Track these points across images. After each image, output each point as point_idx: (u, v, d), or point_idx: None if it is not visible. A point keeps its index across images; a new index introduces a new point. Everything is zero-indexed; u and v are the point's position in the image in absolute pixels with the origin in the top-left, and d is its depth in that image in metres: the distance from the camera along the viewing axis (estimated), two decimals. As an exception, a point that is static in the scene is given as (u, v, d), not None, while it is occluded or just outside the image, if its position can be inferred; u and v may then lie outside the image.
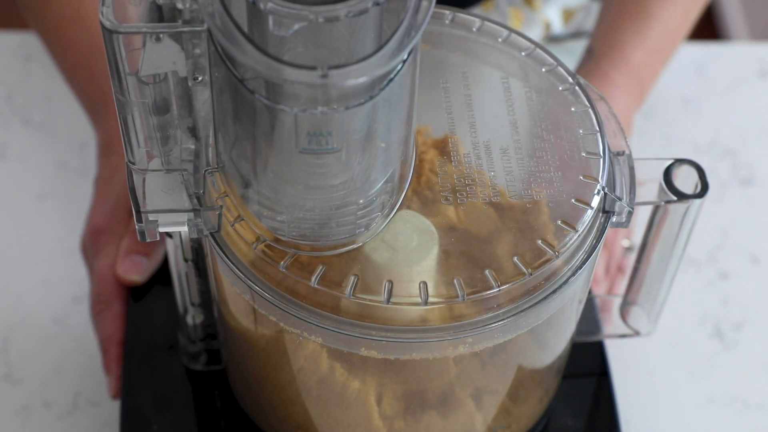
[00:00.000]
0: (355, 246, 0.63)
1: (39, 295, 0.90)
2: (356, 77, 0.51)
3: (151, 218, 0.61)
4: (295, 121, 0.53)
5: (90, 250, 0.81)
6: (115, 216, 0.80)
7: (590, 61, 0.90)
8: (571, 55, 1.06)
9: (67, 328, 0.87)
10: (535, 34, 1.05)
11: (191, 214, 0.61)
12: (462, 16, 0.72)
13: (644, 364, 0.86)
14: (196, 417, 0.74)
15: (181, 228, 0.62)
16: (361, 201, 0.60)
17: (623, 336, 0.78)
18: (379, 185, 0.61)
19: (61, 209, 0.95)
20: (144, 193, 0.61)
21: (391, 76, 0.54)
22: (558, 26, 1.07)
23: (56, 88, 1.02)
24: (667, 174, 0.65)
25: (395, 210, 0.64)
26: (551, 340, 0.67)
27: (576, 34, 1.09)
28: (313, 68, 0.50)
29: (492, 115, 0.74)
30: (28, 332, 0.88)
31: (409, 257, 0.66)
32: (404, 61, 0.54)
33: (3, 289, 0.90)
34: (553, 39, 1.09)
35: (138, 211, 0.60)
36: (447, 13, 0.72)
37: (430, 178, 0.73)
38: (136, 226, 0.61)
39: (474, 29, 0.72)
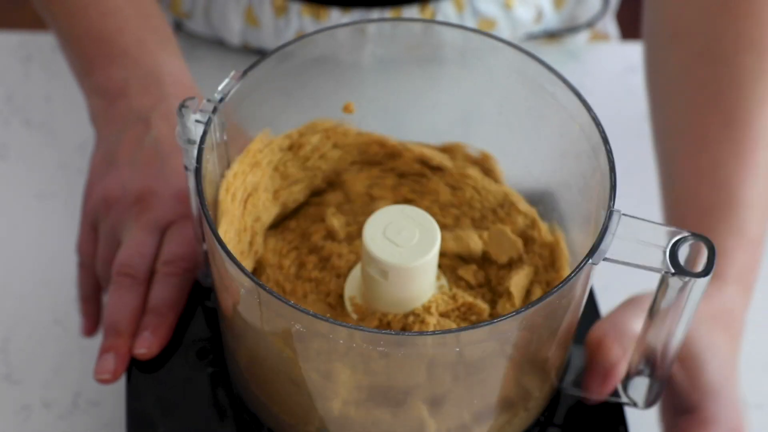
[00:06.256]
0: None
1: (39, 295, 0.90)
2: None
3: None
4: None
5: (103, 214, 0.80)
6: (146, 201, 0.79)
7: (722, 292, 0.78)
8: (574, 59, 1.06)
9: (67, 328, 0.87)
10: (527, 17, 1.04)
11: None
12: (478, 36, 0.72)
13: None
14: (203, 419, 0.74)
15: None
16: None
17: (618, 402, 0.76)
18: None
19: (61, 209, 0.95)
20: None
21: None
22: (550, 12, 1.06)
23: (56, 88, 1.03)
24: (674, 248, 0.62)
25: None
26: (519, 371, 0.67)
27: (572, 29, 1.09)
28: None
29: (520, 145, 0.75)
30: (28, 332, 0.88)
31: (412, 252, 0.66)
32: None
33: (3, 289, 0.90)
34: (549, 34, 1.09)
35: None
36: (464, 31, 0.72)
37: (473, 196, 0.74)
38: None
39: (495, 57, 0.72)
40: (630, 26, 1.23)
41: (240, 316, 0.66)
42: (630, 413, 0.78)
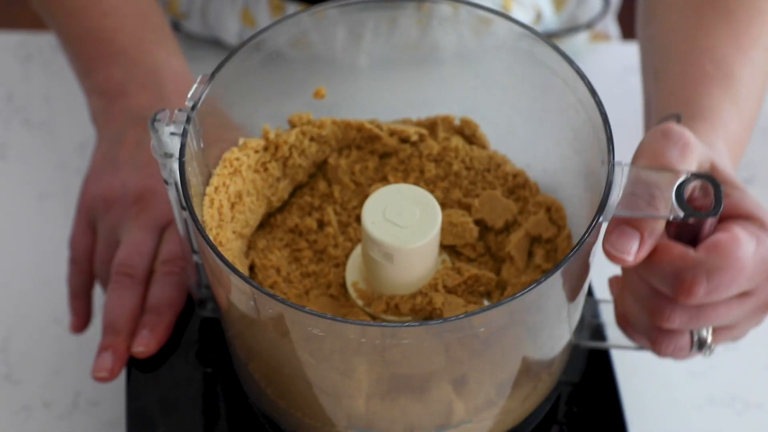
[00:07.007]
0: None
1: (38, 295, 0.90)
2: None
3: None
4: None
5: (102, 213, 0.80)
6: (146, 200, 0.79)
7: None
8: (574, 59, 1.05)
9: (67, 328, 0.87)
10: (525, 20, 1.04)
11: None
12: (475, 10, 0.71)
13: (644, 364, 0.86)
14: (203, 418, 0.74)
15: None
16: None
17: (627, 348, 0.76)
18: None
19: (61, 209, 0.95)
20: None
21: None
22: (549, 15, 1.06)
23: (56, 88, 1.02)
24: (680, 190, 0.62)
25: None
26: (540, 335, 0.67)
27: (571, 29, 1.09)
28: None
29: (506, 108, 0.74)
30: (28, 332, 0.88)
31: (415, 232, 0.65)
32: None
33: (3, 289, 0.90)
34: (547, 35, 1.08)
35: None
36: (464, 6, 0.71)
37: (459, 166, 0.73)
38: None
39: (484, 26, 0.71)
40: (631, 26, 1.23)
41: (250, 327, 0.66)
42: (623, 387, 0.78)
